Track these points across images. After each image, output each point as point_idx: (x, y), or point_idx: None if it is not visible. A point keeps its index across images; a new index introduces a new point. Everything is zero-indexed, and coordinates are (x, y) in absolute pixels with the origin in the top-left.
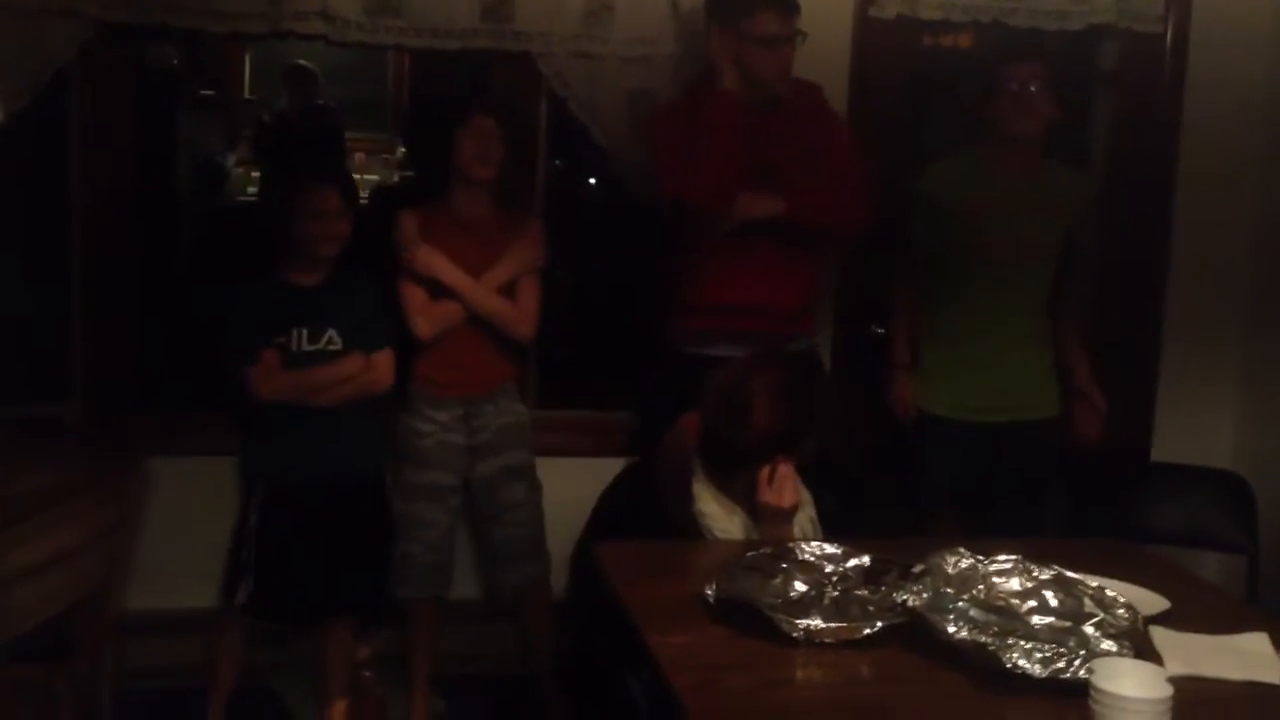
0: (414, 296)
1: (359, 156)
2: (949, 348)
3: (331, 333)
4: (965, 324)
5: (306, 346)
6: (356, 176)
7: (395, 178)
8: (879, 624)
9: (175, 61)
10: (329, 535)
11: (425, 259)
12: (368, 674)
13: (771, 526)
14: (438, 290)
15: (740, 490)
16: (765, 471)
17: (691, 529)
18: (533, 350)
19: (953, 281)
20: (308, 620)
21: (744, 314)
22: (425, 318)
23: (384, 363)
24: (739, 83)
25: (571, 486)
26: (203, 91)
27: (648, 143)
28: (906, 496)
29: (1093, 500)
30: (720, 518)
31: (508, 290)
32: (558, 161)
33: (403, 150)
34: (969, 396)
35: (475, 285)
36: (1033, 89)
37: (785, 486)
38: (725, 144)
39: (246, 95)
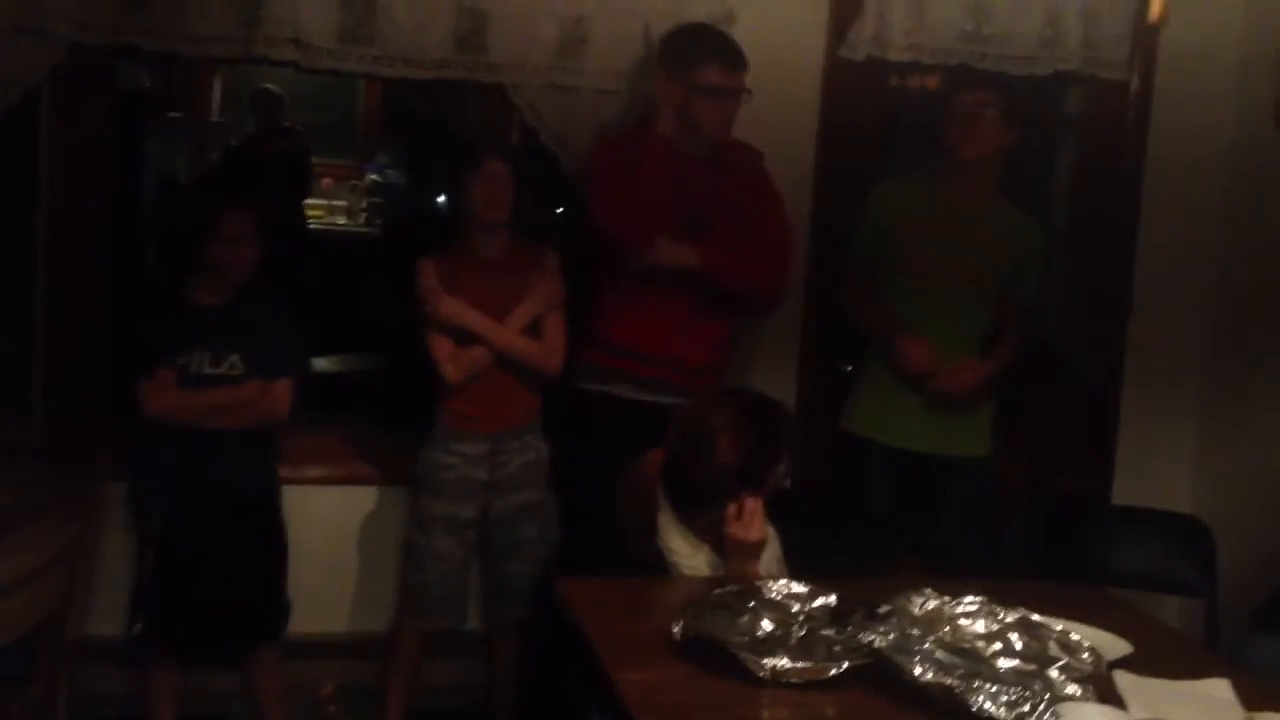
0: (441, 345)
1: (326, 181)
2: (878, 369)
3: (235, 358)
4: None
5: (208, 369)
6: (324, 201)
7: (364, 204)
8: (845, 664)
9: (147, 83)
10: (226, 563)
11: (450, 310)
12: (333, 709)
13: (738, 562)
14: (463, 334)
15: (705, 526)
16: (734, 507)
17: (655, 565)
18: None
19: (888, 298)
20: (216, 650)
21: (649, 361)
22: (454, 365)
23: (281, 391)
24: (678, 129)
25: None
26: (171, 114)
27: (586, 168)
28: (857, 515)
29: (1053, 542)
30: (686, 554)
31: (531, 324)
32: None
33: (371, 177)
34: (897, 422)
35: (500, 329)
36: (982, 116)
37: (753, 521)
38: (654, 187)
39: (215, 118)
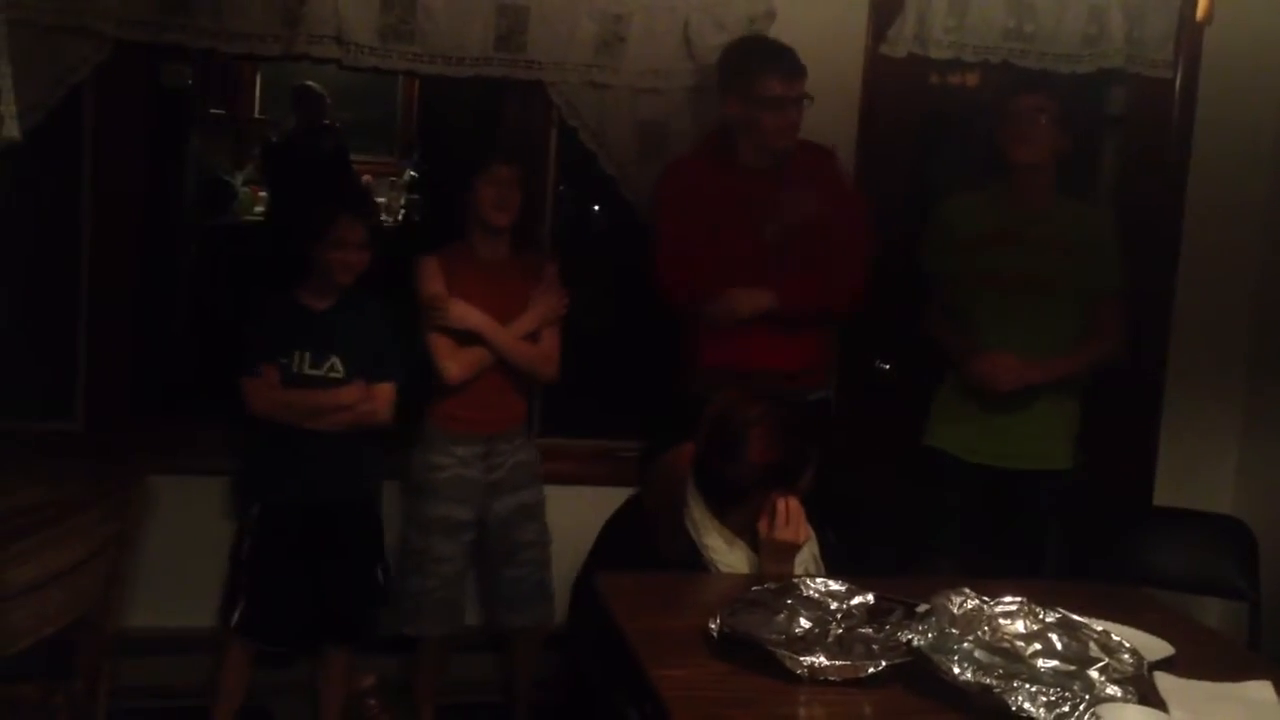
0: (441, 343)
1: (366, 179)
2: (961, 386)
3: (335, 359)
4: None
5: (308, 370)
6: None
7: (403, 200)
8: (883, 663)
9: (189, 80)
10: (321, 560)
11: (458, 313)
12: (372, 702)
13: (774, 561)
14: (464, 334)
15: (739, 522)
16: (778, 506)
17: (687, 560)
18: (541, 388)
19: (965, 315)
20: (302, 644)
21: (751, 374)
22: (455, 362)
23: (384, 395)
24: (742, 146)
25: (575, 515)
26: (213, 110)
27: (652, 204)
28: (912, 532)
29: (1095, 544)
30: (723, 550)
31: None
32: (561, 187)
33: (411, 174)
34: (977, 439)
35: (504, 331)
36: (1038, 119)
37: (797, 523)
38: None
39: (257, 114)
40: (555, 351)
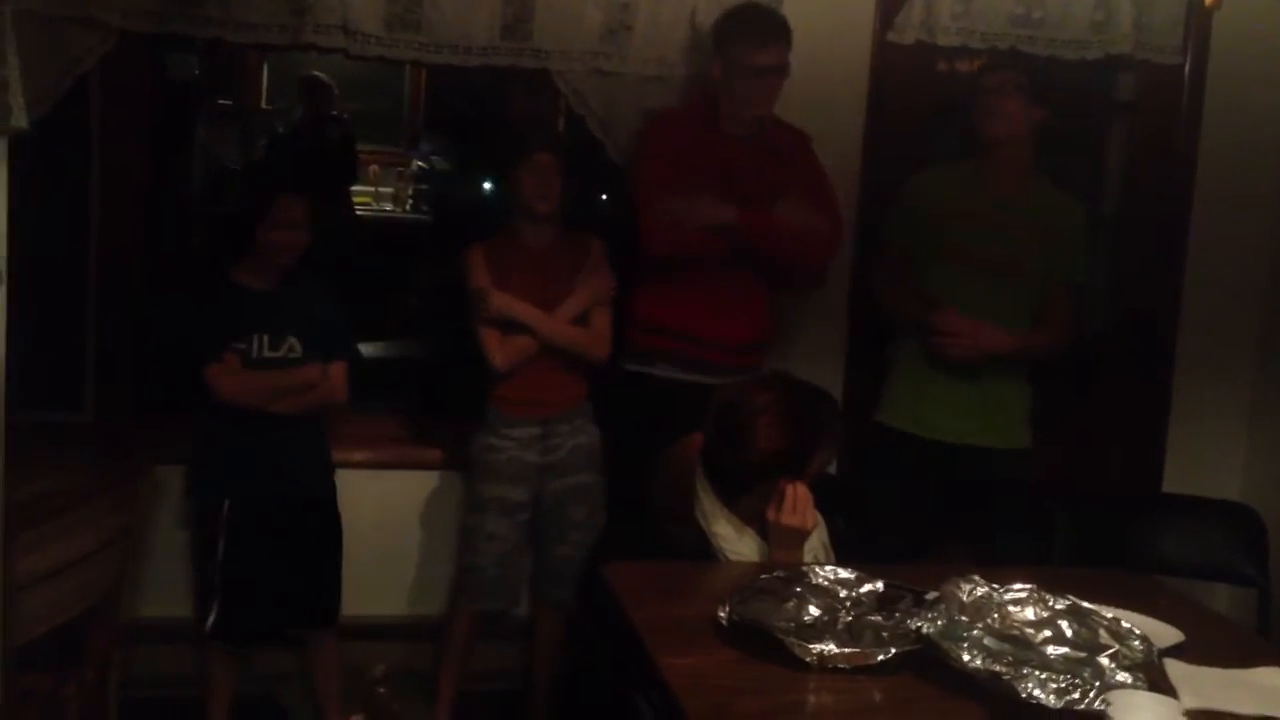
0: (490, 335)
1: (373, 168)
2: (915, 360)
3: (292, 340)
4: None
5: (267, 353)
6: (370, 188)
7: (410, 191)
8: (892, 650)
9: (196, 71)
10: (293, 553)
11: (501, 305)
12: (383, 690)
13: (783, 549)
14: (510, 322)
15: (748, 510)
16: (787, 492)
17: (695, 548)
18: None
19: (923, 288)
20: (275, 639)
21: (692, 341)
22: (502, 353)
23: (339, 374)
24: (724, 109)
25: None
26: (220, 100)
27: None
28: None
29: (1103, 530)
30: (732, 539)
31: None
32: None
33: (418, 163)
34: (930, 414)
35: (548, 320)
36: (1006, 94)
37: (805, 509)
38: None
39: (263, 105)
40: (607, 331)
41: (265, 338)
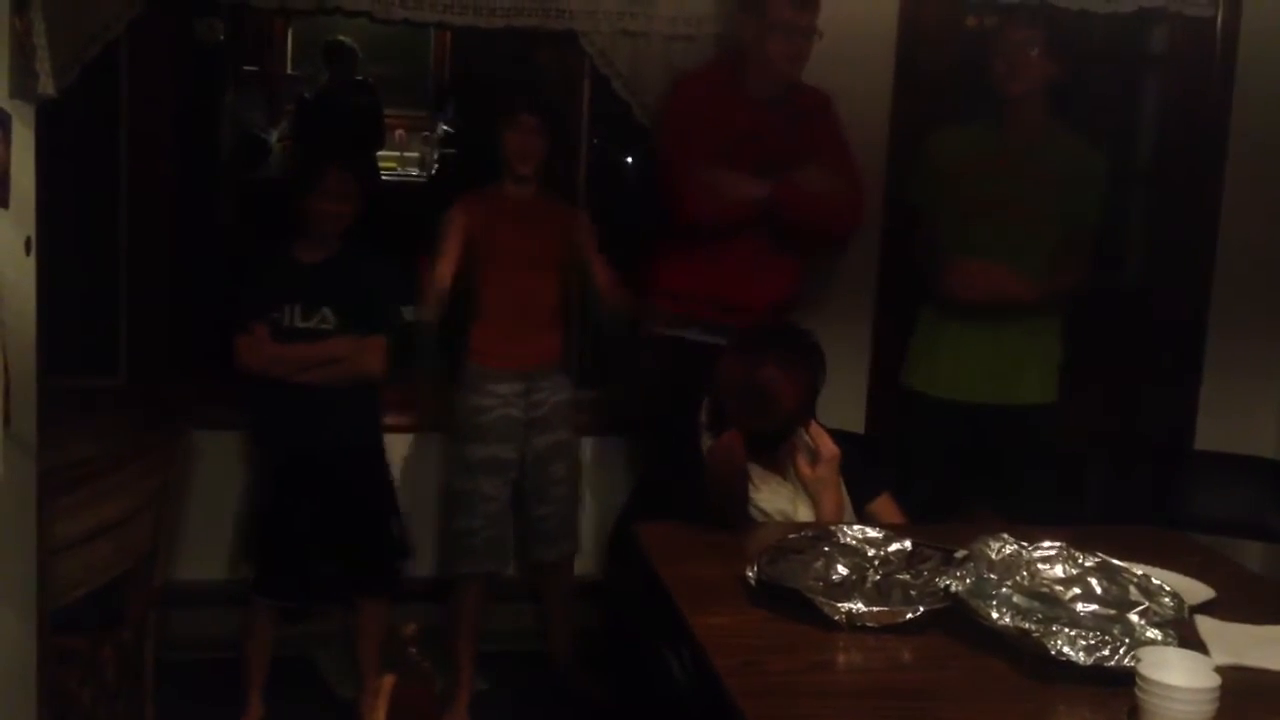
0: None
1: (399, 133)
2: (940, 321)
3: (326, 311)
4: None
5: (299, 323)
6: (395, 153)
7: (436, 155)
8: (921, 609)
9: (221, 36)
10: (334, 514)
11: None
12: (413, 650)
13: (829, 491)
14: (500, 266)
15: (778, 460)
16: (805, 439)
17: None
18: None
19: (947, 244)
20: (322, 599)
21: (720, 306)
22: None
23: (375, 348)
24: (751, 72)
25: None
26: (246, 67)
27: (663, 110)
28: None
29: (1134, 487)
30: (766, 493)
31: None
32: (594, 140)
33: (443, 128)
34: (958, 374)
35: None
36: (1027, 51)
37: (825, 440)
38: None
39: (289, 70)
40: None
41: (298, 307)
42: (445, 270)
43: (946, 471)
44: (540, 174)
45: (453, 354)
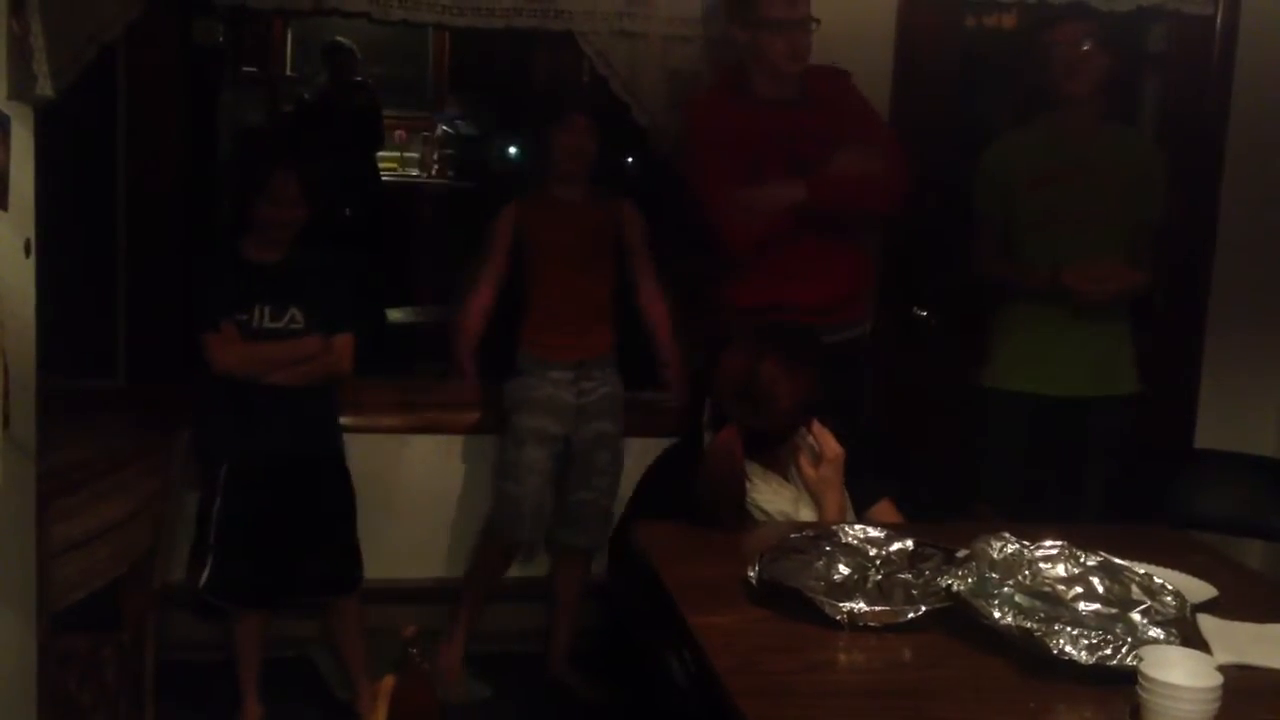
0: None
1: (399, 133)
2: (1022, 321)
3: (295, 311)
4: (1040, 296)
5: (268, 324)
6: (396, 153)
7: (436, 155)
8: (922, 608)
9: (221, 38)
10: (294, 517)
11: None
12: (414, 651)
13: (832, 491)
14: (552, 265)
15: (780, 460)
16: (808, 438)
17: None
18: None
19: (1025, 254)
20: (277, 602)
21: (796, 311)
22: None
23: (344, 346)
24: (763, 79)
25: None
26: (245, 68)
27: (684, 140)
28: (966, 474)
29: (1135, 486)
30: (767, 493)
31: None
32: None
33: (443, 128)
34: (1046, 369)
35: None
36: (1084, 49)
37: (829, 440)
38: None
39: (288, 72)
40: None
41: (267, 309)
42: (476, 314)
43: (1033, 467)
44: (589, 173)
45: (503, 351)
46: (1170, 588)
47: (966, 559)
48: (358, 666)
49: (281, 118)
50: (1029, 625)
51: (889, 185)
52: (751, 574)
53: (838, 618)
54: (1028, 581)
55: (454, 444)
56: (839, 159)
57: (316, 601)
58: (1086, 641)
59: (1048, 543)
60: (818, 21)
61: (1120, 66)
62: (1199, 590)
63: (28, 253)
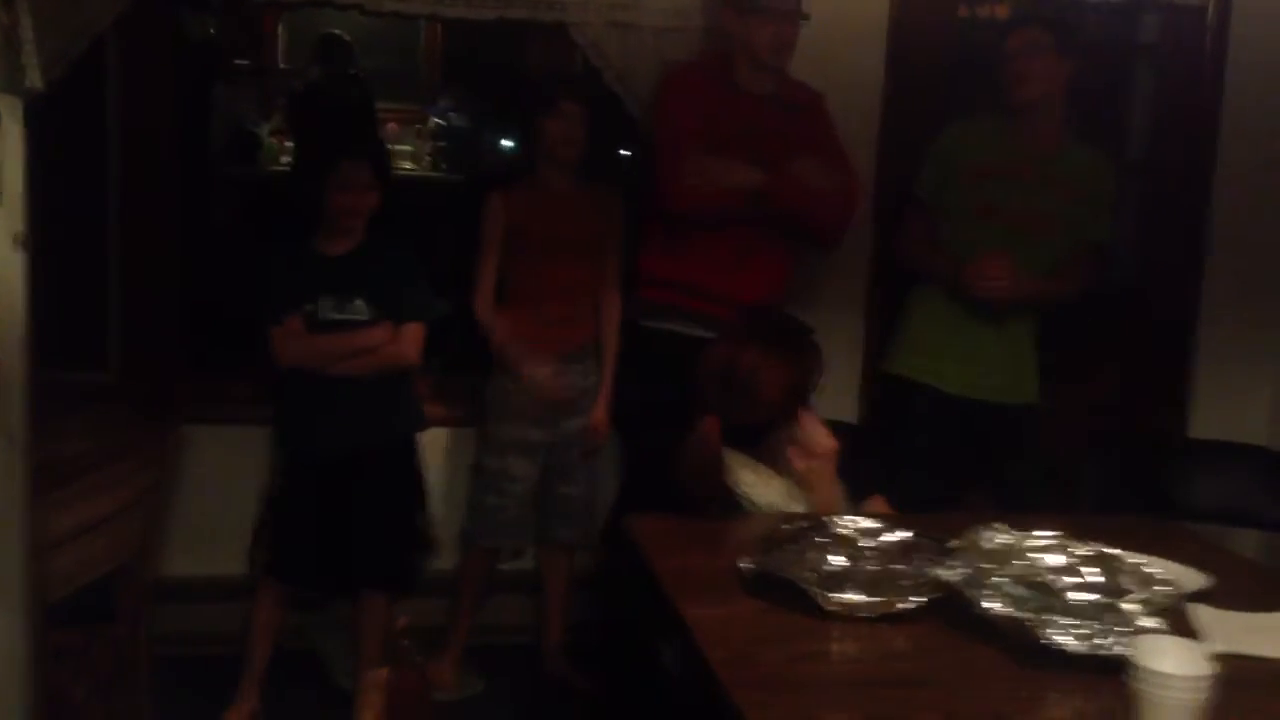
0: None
1: (391, 126)
2: (938, 314)
3: (359, 302)
4: (944, 290)
5: (333, 315)
6: (389, 146)
7: (429, 148)
8: (915, 599)
9: (212, 31)
10: (351, 507)
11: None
12: (406, 643)
13: (823, 484)
14: (539, 253)
15: (771, 452)
16: (800, 429)
17: (723, 510)
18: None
19: (955, 246)
20: (331, 588)
21: (703, 297)
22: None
23: (411, 336)
24: (742, 67)
25: None
26: (237, 61)
27: (654, 109)
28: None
29: (1130, 476)
30: (757, 484)
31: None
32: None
33: (435, 120)
34: (945, 367)
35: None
36: (1032, 55)
37: (817, 433)
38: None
39: (281, 64)
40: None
41: (331, 300)
42: (487, 288)
43: (939, 465)
44: (579, 162)
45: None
46: (1163, 577)
47: (959, 549)
48: (369, 660)
49: (292, 108)
50: (1021, 615)
51: (841, 208)
52: (744, 565)
53: (830, 608)
54: (1020, 572)
55: (438, 437)
56: (801, 163)
57: (351, 593)
58: (1078, 631)
59: (1041, 533)
60: (807, 16)
61: (1089, 68)
62: (1193, 580)
63: (19, 246)
